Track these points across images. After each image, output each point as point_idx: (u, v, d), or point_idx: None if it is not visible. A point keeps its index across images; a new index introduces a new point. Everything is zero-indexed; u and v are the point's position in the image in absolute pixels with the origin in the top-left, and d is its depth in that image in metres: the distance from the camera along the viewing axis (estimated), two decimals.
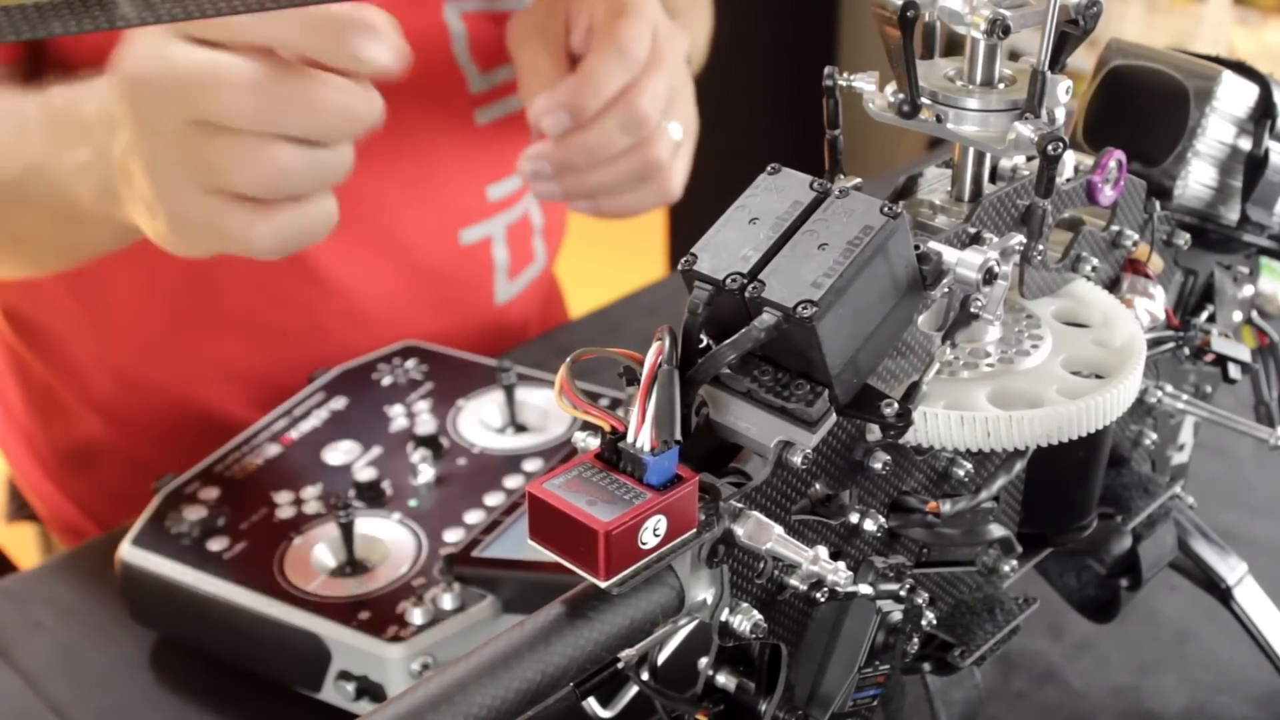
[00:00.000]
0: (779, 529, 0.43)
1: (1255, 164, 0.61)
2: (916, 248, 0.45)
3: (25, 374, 1.02)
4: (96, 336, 0.97)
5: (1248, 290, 0.66)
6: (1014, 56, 0.51)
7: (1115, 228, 0.58)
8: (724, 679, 0.48)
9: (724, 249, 0.45)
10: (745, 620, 0.44)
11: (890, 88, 0.50)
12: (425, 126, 0.96)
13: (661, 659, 0.47)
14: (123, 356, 0.97)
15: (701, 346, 0.44)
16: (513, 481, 0.74)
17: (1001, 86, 0.50)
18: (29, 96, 0.76)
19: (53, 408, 1.02)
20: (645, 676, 0.46)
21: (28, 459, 1.05)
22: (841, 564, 0.43)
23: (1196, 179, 0.61)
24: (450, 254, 0.99)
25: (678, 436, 0.41)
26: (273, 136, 0.63)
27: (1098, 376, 0.52)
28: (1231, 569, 0.67)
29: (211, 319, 0.96)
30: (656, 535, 0.40)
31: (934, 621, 0.54)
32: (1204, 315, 0.64)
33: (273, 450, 0.78)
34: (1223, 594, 0.67)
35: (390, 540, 0.71)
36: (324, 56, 0.63)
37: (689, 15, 1.05)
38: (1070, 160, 0.54)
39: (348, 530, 0.69)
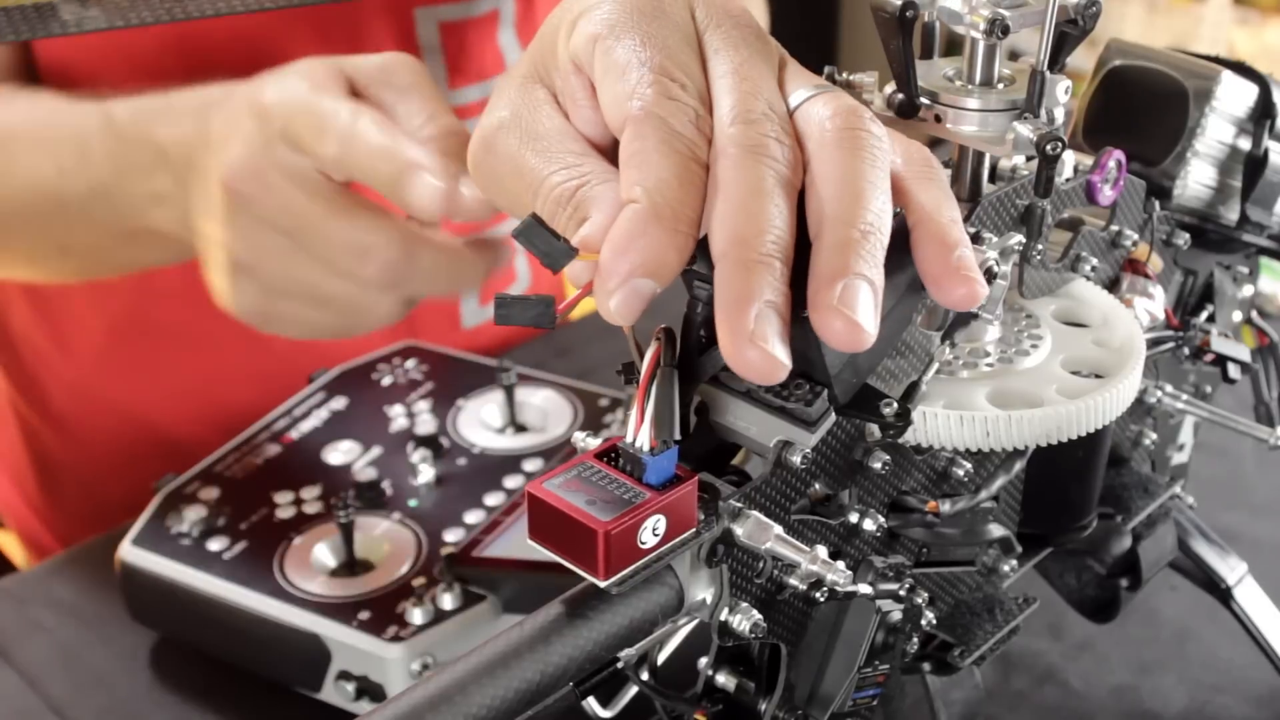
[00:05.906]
0: (778, 528, 0.43)
1: (1255, 164, 0.61)
2: None
3: None
4: (53, 345, 0.94)
5: (1247, 290, 0.66)
6: (1014, 56, 0.51)
7: (1115, 228, 0.58)
8: (724, 679, 0.48)
9: None
10: (745, 620, 0.44)
11: (890, 87, 0.50)
12: None
13: (661, 659, 0.47)
14: (79, 368, 0.94)
15: (701, 345, 0.44)
16: (513, 481, 0.74)
17: (1001, 86, 0.50)
18: (83, 109, 0.70)
19: (11, 420, 0.99)
20: (645, 676, 0.46)
21: None
22: (841, 563, 0.43)
23: (1196, 179, 0.61)
24: None
25: (676, 436, 0.41)
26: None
27: (1097, 376, 0.52)
28: (1231, 569, 0.67)
29: (154, 329, 0.93)
30: (656, 535, 0.40)
31: (934, 621, 0.54)
32: (1204, 315, 0.64)
33: (273, 450, 0.78)
34: (1223, 594, 0.67)
35: (390, 540, 0.71)
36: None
37: None
38: (1070, 160, 0.54)
39: (348, 530, 0.69)
